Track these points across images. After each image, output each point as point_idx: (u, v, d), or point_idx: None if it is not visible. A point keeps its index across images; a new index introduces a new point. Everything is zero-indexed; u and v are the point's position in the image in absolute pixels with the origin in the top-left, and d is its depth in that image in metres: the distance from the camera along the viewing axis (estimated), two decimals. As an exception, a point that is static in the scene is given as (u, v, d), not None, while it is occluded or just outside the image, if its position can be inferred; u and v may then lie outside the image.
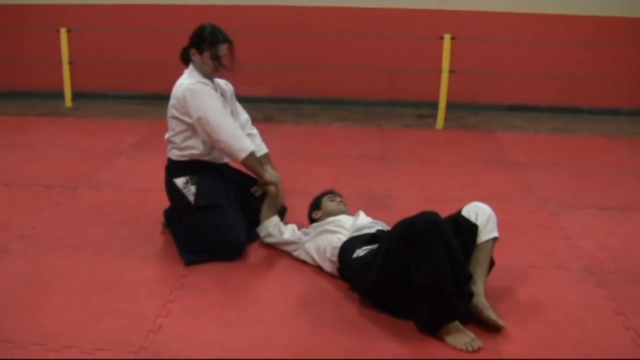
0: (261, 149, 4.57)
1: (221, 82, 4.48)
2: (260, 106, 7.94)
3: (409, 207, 5.01)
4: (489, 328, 3.41)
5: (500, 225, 4.72)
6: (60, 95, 8.38)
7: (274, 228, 4.31)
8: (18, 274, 4.05)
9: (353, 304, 3.64)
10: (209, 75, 4.27)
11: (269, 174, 4.36)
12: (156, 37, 7.95)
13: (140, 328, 3.44)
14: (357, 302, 3.67)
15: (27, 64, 8.65)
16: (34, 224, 4.77)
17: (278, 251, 4.32)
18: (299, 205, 5.04)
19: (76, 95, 8.36)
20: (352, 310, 3.59)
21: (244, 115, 4.63)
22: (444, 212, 4.87)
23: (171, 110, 4.23)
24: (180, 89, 4.17)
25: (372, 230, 3.92)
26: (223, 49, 4.20)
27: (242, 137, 4.24)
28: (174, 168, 4.31)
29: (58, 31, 8.04)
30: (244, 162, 4.21)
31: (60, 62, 8.18)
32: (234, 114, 4.50)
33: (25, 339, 3.36)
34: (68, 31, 8.05)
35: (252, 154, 4.22)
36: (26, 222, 4.79)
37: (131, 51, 8.35)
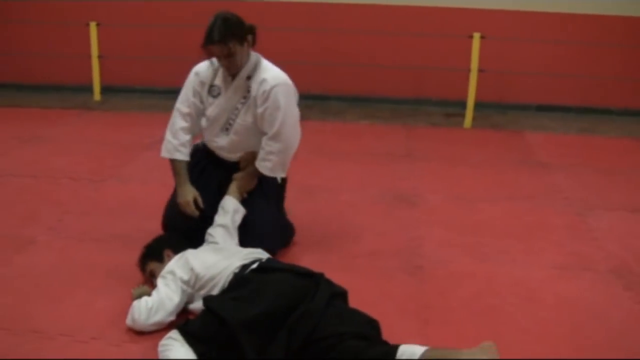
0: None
1: (260, 83, 3.93)
2: (287, 103, 7.93)
3: (436, 205, 5.04)
4: (511, 328, 3.40)
5: (526, 226, 4.74)
6: (88, 89, 8.43)
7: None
8: (45, 266, 4.08)
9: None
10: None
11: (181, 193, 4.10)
12: (184, 32, 7.97)
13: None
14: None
15: (56, 58, 8.70)
16: (61, 216, 4.81)
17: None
18: (325, 202, 5.05)
19: (104, 89, 8.41)
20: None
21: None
22: (471, 213, 4.91)
23: None
24: None
25: None
26: (213, 50, 3.82)
27: (170, 138, 4.14)
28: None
29: (87, 25, 8.10)
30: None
31: (89, 56, 8.23)
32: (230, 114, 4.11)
33: (53, 329, 3.38)
34: (97, 25, 8.10)
35: (171, 161, 4.15)
36: (54, 215, 4.82)
37: (159, 46, 8.39)
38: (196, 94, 4.08)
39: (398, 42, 8.09)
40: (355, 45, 8.18)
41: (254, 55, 3.98)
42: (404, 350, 2.89)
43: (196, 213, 4.04)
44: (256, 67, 3.96)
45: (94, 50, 8.19)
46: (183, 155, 4.14)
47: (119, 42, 8.38)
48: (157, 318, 3.34)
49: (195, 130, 4.18)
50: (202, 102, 4.09)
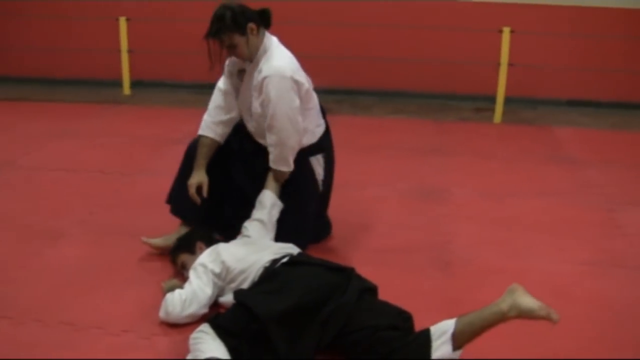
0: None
1: (259, 72, 3.84)
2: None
3: (465, 201, 5.02)
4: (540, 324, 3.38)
5: (556, 222, 4.71)
6: (118, 83, 8.49)
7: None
8: (77, 258, 4.12)
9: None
10: None
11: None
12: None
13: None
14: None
15: (86, 52, 8.77)
16: (92, 209, 4.84)
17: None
18: (354, 197, 5.05)
19: (134, 84, 8.46)
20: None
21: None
22: (501, 208, 4.89)
23: None
24: None
25: None
26: (211, 43, 3.79)
27: (205, 115, 4.14)
28: None
29: (117, 20, 8.15)
30: None
31: (119, 51, 8.28)
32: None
33: (85, 322, 3.41)
34: (127, 20, 8.15)
35: (198, 137, 4.12)
36: (84, 208, 4.86)
37: (188, 40, 8.39)
38: (231, 74, 4.07)
39: (428, 36, 8.06)
40: (385, 40, 8.17)
41: (267, 40, 3.87)
42: (435, 330, 2.93)
43: (197, 199, 3.99)
44: (263, 54, 3.85)
45: (124, 45, 8.24)
46: (213, 132, 4.09)
47: (148, 37, 8.42)
48: (191, 310, 3.36)
49: (232, 110, 4.10)
50: (234, 83, 4.08)
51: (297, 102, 3.81)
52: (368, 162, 5.91)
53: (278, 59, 3.82)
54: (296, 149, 3.92)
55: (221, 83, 4.12)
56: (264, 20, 3.84)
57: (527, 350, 3.23)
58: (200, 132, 4.11)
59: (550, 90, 8.13)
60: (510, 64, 7.29)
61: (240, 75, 3.99)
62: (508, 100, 7.48)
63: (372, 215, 4.78)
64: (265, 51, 3.83)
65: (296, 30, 8.10)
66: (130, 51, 8.25)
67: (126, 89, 8.47)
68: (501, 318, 2.91)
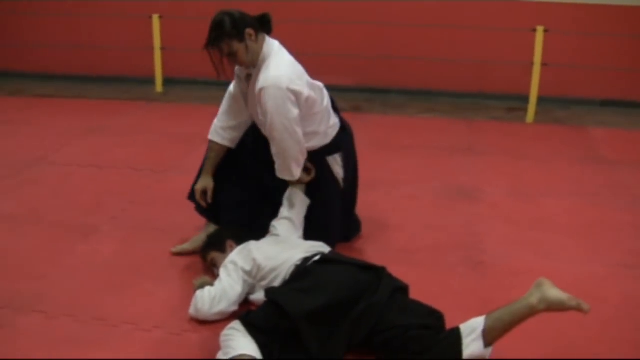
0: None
1: (257, 81, 3.75)
2: (347, 95, 7.94)
3: (497, 200, 4.99)
4: (573, 326, 3.35)
5: (590, 223, 4.66)
6: (150, 81, 8.53)
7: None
8: (109, 254, 4.15)
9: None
10: None
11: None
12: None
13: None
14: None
15: (119, 50, 8.82)
16: (124, 206, 4.87)
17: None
18: (386, 196, 5.04)
19: (166, 81, 8.49)
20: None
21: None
22: (533, 209, 4.85)
23: None
24: None
25: None
26: (212, 52, 3.76)
27: (215, 119, 4.15)
28: None
29: (150, 18, 8.18)
30: None
31: (152, 49, 8.32)
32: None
33: (116, 317, 3.43)
34: (160, 18, 8.19)
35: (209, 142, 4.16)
36: (117, 204, 4.89)
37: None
38: (240, 79, 4.03)
39: (460, 35, 8.02)
40: (416, 39, 8.13)
41: (267, 47, 3.79)
42: (465, 328, 2.94)
43: (203, 204, 4.10)
44: (263, 62, 3.77)
45: (157, 43, 8.28)
46: (220, 138, 4.10)
47: (181, 34, 8.45)
48: (221, 307, 3.37)
49: (242, 115, 4.06)
50: (242, 88, 4.04)
51: (294, 112, 3.71)
52: (399, 161, 5.89)
53: (275, 69, 3.70)
54: (300, 158, 3.86)
55: (232, 87, 4.11)
56: (263, 25, 3.80)
57: (558, 353, 3.20)
58: (209, 137, 4.14)
59: (583, 90, 8.05)
60: (543, 64, 7.23)
61: (248, 80, 3.95)
62: (541, 100, 7.42)
63: (403, 214, 4.76)
64: (265, 58, 3.76)
65: (328, 28, 8.11)
66: (163, 49, 8.29)
67: (159, 87, 8.50)
68: (530, 312, 2.92)
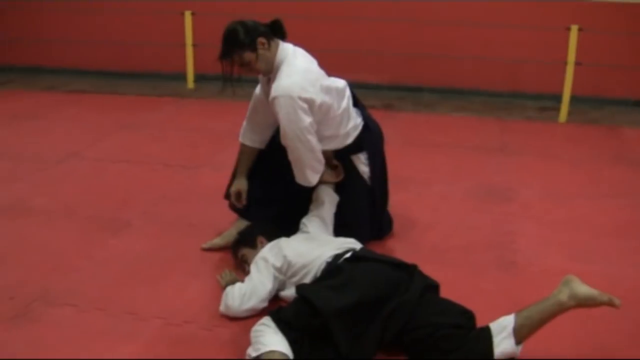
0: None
1: (272, 91, 3.72)
2: (379, 93, 7.92)
3: (529, 201, 4.96)
4: (606, 328, 3.32)
5: (623, 224, 4.61)
6: (182, 77, 8.56)
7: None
8: (140, 249, 4.16)
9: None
10: None
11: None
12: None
13: (258, 307, 3.47)
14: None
15: (151, 46, 8.86)
16: (156, 201, 4.89)
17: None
18: (417, 194, 5.02)
19: (198, 77, 8.52)
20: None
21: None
22: (566, 209, 4.81)
23: None
24: None
25: None
26: (225, 64, 3.76)
27: (244, 121, 4.19)
28: None
29: (182, 14, 8.21)
30: None
31: (183, 45, 8.35)
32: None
33: (147, 312, 3.45)
34: (192, 14, 8.21)
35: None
36: (148, 200, 4.91)
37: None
38: (262, 83, 4.03)
39: (494, 34, 7.97)
40: (449, 37, 8.09)
41: (281, 53, 3.76)
42: (495, 326, 2.94)
43: (238, 205, 4.13)
44: (278, 68, 3.75)
45: (188, 39, 8.31)
46: (250, 140, 4.14)
47: (212, 31, 8.45)
48: (251, 304, 3.37)
49: (268, 116, 3.99)
50: (266, 90, 4.02)
51: (306, 121, 3.68)
52: (431, 159, 5.86)
53: (286, 77, 3.68)
54: (315, 165, 3.84)
55: (257, 89, 4.10)
56: (276, 31, 3.78)
57: (589, 354, 3.18)
58: (240, 139, 4.17)
59: (617, 89, 7.96)
60: (577, 63, 7.16)
61: (269, 84, 3.94)
62: (574, 100, 7.35)
63: (435, 213, 4.74)
64: (279, 64, 3.75)
65: (361, 26, 8.09)
66: (194, 45, 8.32)
67: (190, 83, 8.53)
68: (560, 309, 2.93)
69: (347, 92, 3.99)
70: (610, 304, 2.90)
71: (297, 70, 3.71)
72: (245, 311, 3.37)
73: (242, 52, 3.67)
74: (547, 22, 7.64)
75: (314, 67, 3.84)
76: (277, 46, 3.76)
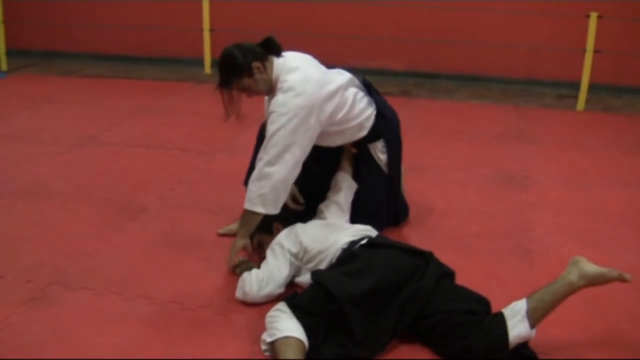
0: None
1: (270, 106, 3.71)
2: (396, 80, 7.89)
3: (546, 188, 4.93)
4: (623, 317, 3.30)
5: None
6: (199, 62, 8.56)
7: None
8: (156, 233, 4.18)
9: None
10: None
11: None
12: (296, 6, 8.00)
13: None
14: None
15: (168, 31, 8.86)
16: (172, 186, 4.90)
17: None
18: (434, 181, 5.01)
19: (215, 62, 8.51)
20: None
21: None
22: (583, 197, 4.78)
23: None
24: None
25: None
26: (225, 92, 3.78)
27: None
28: None
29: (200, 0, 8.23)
30: None
31: (201, 30, 8.35)
32: None
33: (163, 296, 3.46)
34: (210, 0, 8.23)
35: None
36: (165, 184, 4.92)
37: (271, 20, 8.43)
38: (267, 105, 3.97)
39: (512, 20, 7.92)
40: (467, 23, 8.05)
41: (276, 70, 3.70)
42: (508, 311, 2.94)
43: (298, 208, 4.04)
44: (276, 84, 3.70)
45: (206, 24, 8.30)
46: None
47: (230, 16, 8.47)
48: (268, 290, 3.37)
49: None
50: None
51: (298, 138, 3.60)
52: (448, 146, 5.84)
53: (283, 93, 3.63)
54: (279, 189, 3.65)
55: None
56: (270, 49, 3.72)
57: (603, 338, 3.18)
58: None
59: (636, 77, 7.89)
60: (596, 51, 7.11)
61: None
62: (592, 87, 7.30)
63: (452, 200, 4.73)
64: (277, 79, 3.69)
65: (378, 11, 8.06)
66: (212, 30, 8.31)
67: (207, 68, 8.54)
68: (571, 289, 2.94)
69: (354, 84, 3.96)
70: (620, 279, 2.93)
71: (293, 82, 3.63)
72: (263, 297, 3.37)
73: (240, 80, 3.67)
74: (566, 10, 7.58)
75: (311, 72, 3.73)
76: (272, 65, 3.71)
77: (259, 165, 3.64)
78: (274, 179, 3.59)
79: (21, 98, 7.30)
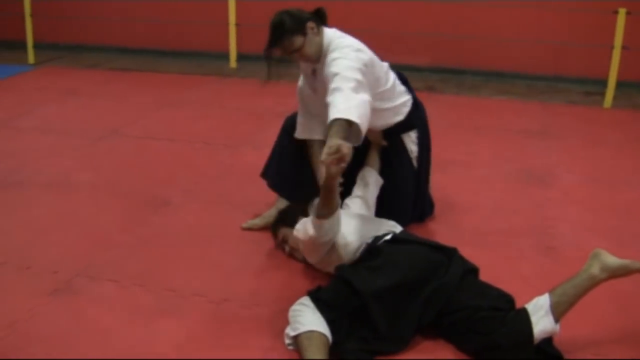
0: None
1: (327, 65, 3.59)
2: (422, 75, 7.88)
3: (571, 186, 4.91)
4: None
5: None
6: (224, 56, 8.59)
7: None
8: (181, 226, 4.19)
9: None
10: None
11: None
12: (319, 3, 7.98)
13: (299, 285, 3.46)
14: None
15: (194, 25, 8.89)
16: (196, 179, 4.92)
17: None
18: (458, 177, 5.00)
19: (240, 57, 8.53)
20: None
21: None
22: (608, 196, 4.75)
23: None
24: None
25: None
26: (272, 54, 3.74)
27: (299, 119, 4.07)
28: None
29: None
30: None
31: (227, 24, 8.36)
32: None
33: (186, 289, 3.47)
34: (236, -6, 8.24)
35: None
36: (189, 178, 4.94)
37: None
38: (306, 74, 3.97)
39: (538, 16, 7.88)
40: (493, 19, 8.02)
41: (327, 36, 3.69)
42: (531, 308, 2.93)
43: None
44: (329, 48, 3.67)
45: (232, 18, 8.32)
46: (308, 133, 4.06)
47: (256, 11, 8.47)
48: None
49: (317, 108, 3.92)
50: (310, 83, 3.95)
51: (362, 70, 3.49)
52: (473, 142, 5.82)
53: (341, 49, 3.58)
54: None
55: (300, 82, 4.05)
56: (320, 19, 3.73)
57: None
58: (297, 135, 4.06)
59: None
60: (624, 47, 7.05)
61: (314, 75, 3.90)
62: (620, 85, 7.24)
63: (476, 196, 4.71)
64: (329, 45, 3.67)
65: (404, 7, 8.03)
66: (237, 25, 8.33)
67: (232, 62, 8.56)
68: (593, 282, 2.96)
69: (392, 73, 3.94)
70: None
71: (350, 42, 3.65)
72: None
73: (293, 37, 3.62)
74: (594, 5, 7.52)
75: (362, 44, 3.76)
76: (322, 33, 3.71)
77: (340, 95, 3.32)
78: (362, 98, 3.34)
79: (47, 91, 7.36)
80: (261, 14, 8.23)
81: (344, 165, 3.00)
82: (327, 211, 3.27)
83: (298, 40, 3.62)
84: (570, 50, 7.90)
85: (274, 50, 3.69)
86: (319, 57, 3.71)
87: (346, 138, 3.10)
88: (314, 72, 3.83)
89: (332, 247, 3.42)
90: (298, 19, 3.63)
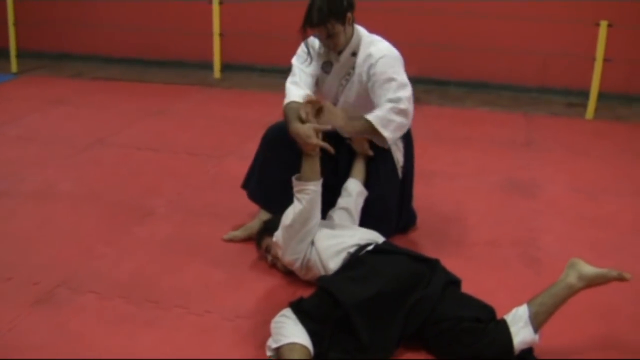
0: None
1: (365, 58, 3.80)
2: (405, 86, 7.87)
3: (555, 197, 4.93)
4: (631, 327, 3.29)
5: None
6: (209, 66, 8.57)
7: None
8: (164, 237, 4.18)
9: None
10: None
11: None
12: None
13: (281, 297, 3.44)
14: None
15: (178, 35, 8.88)
16: (180, 189, 4.91)
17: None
18: (442, 188, 5.01)
19: (225, 67, 8.53)
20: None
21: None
22: (592, 207, 4.77)
23: None
24: None
25: None
26: (313, 32, 3.75)
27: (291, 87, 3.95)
28: None
29: (210, 3, 8.22)
30: None
31: (211, 34, 8.36)
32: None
33: (169, 300, 3.45)
34: (220, 3, 8.21)
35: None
36: (173, 188, 4.93)
37: (281, 24, 8.42)
38: (318, 61, 3.98)
39: (522, 28, 7.91)
40: (477, 30, 8.04)
41: (358, 29, 3.84)
42: (510, 319, 2.95)
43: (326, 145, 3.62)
44: (360, 42, 3.81)
45: (216, 28, 8.32)
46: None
47: (240, 20, 8.48)
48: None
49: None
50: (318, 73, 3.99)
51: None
52: (457, 153, 5.84)
53: (380, 43, 3.84)
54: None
55: (305, 66, 3.98)
56: (354, 10, 3.79)
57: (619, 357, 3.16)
58: (291, 100, 3.87)
59: (647, 86, 7.88)
60: (606, 59, 7.09)
61: (325, 67, 3.93)
62: (602, 96, 7.27)
63: (459, 207, 4.72)
64: (359, 39, 3.78)
65: (388, 18, 8.05)
66: (221, 35, 8.33)
67: (217, 72, 8.55)
68: (570, 291, 2.97)
69: None
70: (620, 278, 2.96)
71: (386, 44, 3.86)
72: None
73: (335, 22, 3.67)
74: (576, 18, 7.56)
75: None
76: (354, 27, 3.82)
77: (399, 105, 3.74)
78: (409, 115, 3.81)
79: (32, 100, 7.33)
80: (245, 23, 8.28)
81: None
82: (309, 176, 3.51)
83: (337, 27, 3.69)
84: (554, 61, 7.94)
85: (310, 30, 3.72)
86: (342, 48, 3.79)
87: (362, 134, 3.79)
88: (325, 65, 3.93)
89: (313, 255, 3.44)
90: (341, 6, 3.68)
